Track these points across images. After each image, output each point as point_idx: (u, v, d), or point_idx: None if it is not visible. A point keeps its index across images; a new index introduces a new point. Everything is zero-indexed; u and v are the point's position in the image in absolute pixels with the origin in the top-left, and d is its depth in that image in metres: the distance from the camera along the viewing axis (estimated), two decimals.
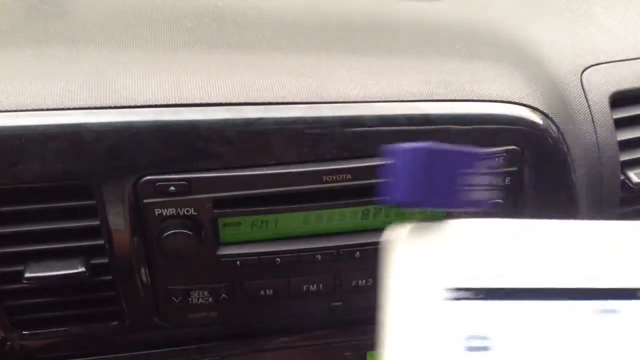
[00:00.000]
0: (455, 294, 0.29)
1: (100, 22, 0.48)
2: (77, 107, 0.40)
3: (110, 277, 0.44)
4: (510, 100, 0.44)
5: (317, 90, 0.42)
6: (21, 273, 0.41)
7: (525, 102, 0.45)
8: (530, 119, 0.44)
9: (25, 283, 0.41)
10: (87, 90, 0.40)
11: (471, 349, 0.29)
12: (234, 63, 0.44)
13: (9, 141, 0.39)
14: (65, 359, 0.48)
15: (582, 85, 0.49)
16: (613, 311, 0.30)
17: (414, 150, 0.29)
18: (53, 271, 0.42)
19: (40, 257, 0.42)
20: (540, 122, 0.44)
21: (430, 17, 0.54)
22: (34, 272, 0.41)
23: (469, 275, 0.29)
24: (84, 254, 0.42)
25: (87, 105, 0.40)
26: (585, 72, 0.49)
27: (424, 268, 0.29)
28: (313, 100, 0.42)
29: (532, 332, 0.30)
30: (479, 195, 0.30)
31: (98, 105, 0.40)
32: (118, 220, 0.41)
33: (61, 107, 0.39)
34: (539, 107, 0.45)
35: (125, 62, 0.43)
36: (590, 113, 0.48)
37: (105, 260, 0.43)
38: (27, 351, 0.47)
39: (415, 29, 0.52)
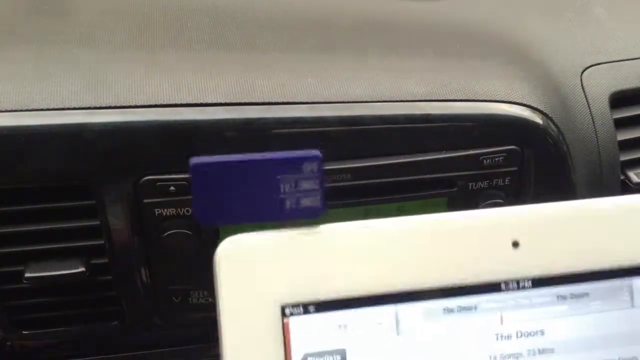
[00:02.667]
0: (292, 310, 0.28)
1: (100, 22, 0.48)
2: (77, 107, 0.40)
3: (110, 277, 0.44)
4: (510, 100, 0.44)
5: (317, 90, 0.42)
6: (21, 273, 0.41)
7: (525, 102, 0.45)
8: (530, 119, 0.44)
9: (25, 283, 0.41)
10: (87, 90, 0.40)
11: None
12: (234, 63, 0.44)
13: (9, 141, 0.39)
14: (65, 359, 0.48)
15: (582, 85, 0.49)
16: (472, 308, 0.29)
17: (209, 165, 0.27)
18: (53, 271, 0.42)
19: (40, 257, 0.42)
20: (540, 122, 0.44)
21: (430, 17, 0.54)
22: (34, 272, 0.41)
23: (302, 289, 0.28)
24: (84, 254, 0.42)
25: (87, 105, 0.40)
26: (585, 72, 0.49)
27: (253, 285, 0.28)
28: (313, 100, 0.42)
29: (383, 340, 0.28)
30: (302, 202, 0.28)
31: (98, 105, 0.40)
32: (118, 220, 0.41)
33: (61, 107, 0.39)
34: (539, 107, 0.45)
35: (126, 62, 0.43)
36: (590, 113, 0.48)
37: (105, 260, 0.43)
38: (27, 351, 0.47)
39: (415, 29, 0.52)
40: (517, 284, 0.29)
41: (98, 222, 0.42)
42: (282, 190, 0.28)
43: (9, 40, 0.45)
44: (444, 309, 0.29)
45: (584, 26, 0.55)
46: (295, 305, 0.28)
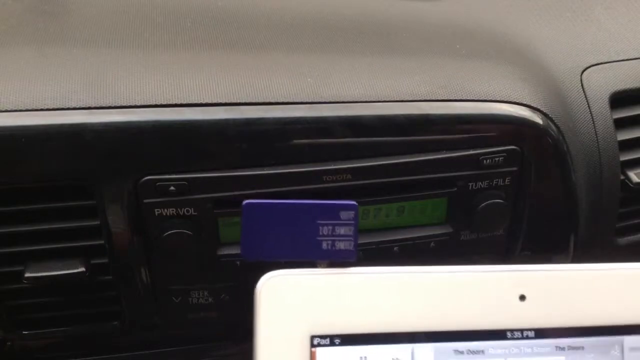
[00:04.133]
0: (320, 341, 0.31)
1: (100, 22, 0.48)
2: (77, 107, 0.40)
3: (110, 277, 0.44)
4: (510, 100, 0.44)
5: (317, 90, 0.42)
6: (21, 273, 0.41)
7: (525, 102, 0.45)
8: (531, 119, 0.44)
9: (25, 283, 0.41)
10: (87, 90, 0.40)
11: None
12: (234, 63, 0.44)
13: (9, 141, 0.39)
14: (65, 359, 0.48)
15: (582, 85, 0.49)
16: (480, 352, 0.32)
17: (259, 206, 0.31)
18: (53, 271, 0.42)
19: (40, 257, 0.42)
20: (540, 122, 0.44)
21: (430, 17, 0.54)
22: (34, 272, 0.41)
23: (330, 323, 0.31)
24: (84, 254, 0.42)
25: (87, 105, 0.40)
26: (585, 72, 0.49)
27: (288, 316, 0.31)
28: (313, 100, 0.42)
29: None
30: (337, 245, 0.32)
31: (98, 105, 0.40)
32: (118, 220, 0.41)
33: (61, 107, 0.39)
34: (539, 107, 0.45)
35: (125, 62, 0.43)
36: (590, 113, 0.48)
37: (105, 260, 0.43)
38: (27, 351, 0.47)
39: (415, 29, 0.52)
40: (522, 334, 0.33)
41: (98, 222, 0.42)
42: (320, 233, 0.32)
43: (9, 40, 0.45)
44: (455, 351, 0.32)
45: (584, 26, 0.55)
46: (323, 337, 0.31)
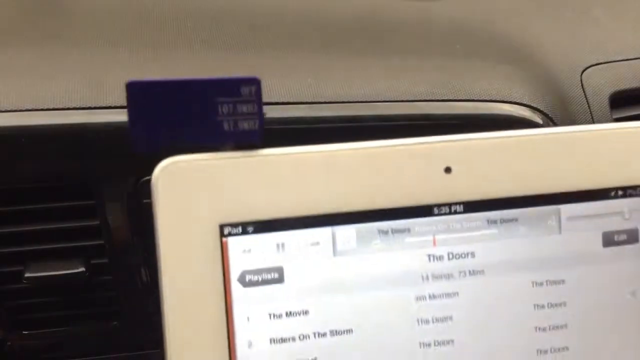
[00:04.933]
0: (231, 230, 0.28)
1: (100, 22, 0.48)
2: (77, 107, 0.40)
3: (110, 277, 0.44)
4: (510, 100, 0.44)
5: (317, 90, 0.42)
6: (21, 273, 0.41)
7: (525, 102, 0.45)
8: (530, 119, 0.44)
9: (25, 283, 0.41)
10: (87, 90, 0.40)
11: (258, 282, 0.28)
12: (234, 63, 0.44)
13: (9, 141, 0.39)
14: (65, 359, 0.48)
15: (582, 85, 0.49)
16: (405, 230, 0.30)
17: (146, 85, 0.27)
18: (53, 271, 0.42)
19: (40, 257, 0.42)
20: (540, 122, 0.44)
21: (430, 17, 0.54)
22: (34, 272, 0.41)
23: (240, 210, 0.28)
24: (84, 254, 0.42)
25: (87, 105, 0.40)
26: (585, 72, 0.49)
27: (192, 205, 0.28)
28: (313, 100, 0.42)
29: (320, 260, 0.29)
30: (240, 125, 0.28)
31: (98, 105, 0.40)
32: (118, 220, 0.41)
33: (61, 107, 0.39)
34: (539, 107, 0.45)
35: (126, 62, 0.43)
36: (590, 113, 0.48)
37: (105, 260, 0.43)
38: (27, 351, 0.47)
39: (415, 29, 0.52)
40: (449, 208, 0.30)
41: (98, 222, 0.42)
42: (220, 112, 0.28)
43: (9, 40, 0.45)
44: (379, 231, 0.30)
45: (584, 26, 0.55)
46: (234, 225, 0.28)
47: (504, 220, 0.30)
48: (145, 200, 0.41)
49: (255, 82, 0.29)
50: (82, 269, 0.42)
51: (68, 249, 0.42)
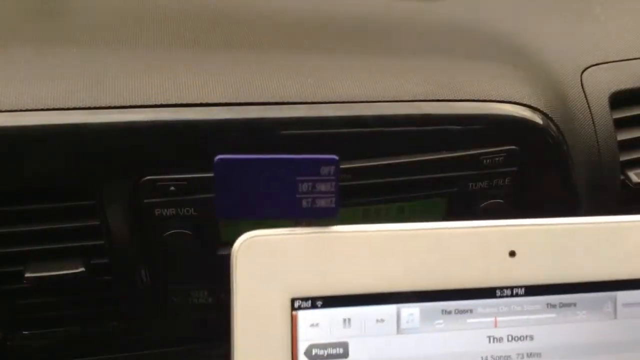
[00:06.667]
0: (301, 303, 0.30)
1: (100, 22, 0.48)
2: (77, 107, 0.40)
3: (110, 277, 0.44)
4: (510, 100, 0.44)
5: (317, 90, 0.42)
6: (21, 273, 0.41)
7: (525, 102, 0.45)
8: (530, 119, 0.44)
9: (25, 283, 0.41)
10: (87, 90, 0.40)
11: (324, 356, 0.30)
12: (234, 63, 0.44)
13: (9, 141, 0.39)
14: (65, 359, 0.48)
15: (582, 85, 0.49)
16: (468, 311, 0.31)
17: (232, 161, 0.29)
18: (53, 271, 0.42)
19: (40, 257, 0.42)
20: (540, 122, 0.44)
21: (430, 17, 0.54)
22: (34, 272, 0.41)
23: (311, 284, 0.30)
24: (84, 254, 0.42)
25: (87, 105, 0.40)
26: (585, 72, 0.49)
27: (266, 278, 0.29)
28: (313, 100, 0.42)
29: (384, 336, 0.30)
30: (318, 202, 0.30)
31: (98, 105, 0.40)
32: (118, 220, 0.41)
33: (61, 107, 0.39)
34: (539, 107, 0.45)
35: (125, 62, 0.43)
36: (590, 113, 0.48)
37: (105, 260, 0.43)
38: (27, 351, 0.47)
39: (415, 29, 0.52)
40: (511, 291, 0.31)
41: (98, 222, 0.42)
42: (299, 190, 0.30)
43: (9, 40, 0.45)
44: (442, 311, 0.31)
45: (584, 26, 0.55)
46: (304, 299, 0.29)
47: (562, 305, 0.32)
48: (145, 200, 0.41)
49: (334, 162, 0.30)
50: (82, 269, 0.42)
51: (68, 249, 0.42)
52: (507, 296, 0.31)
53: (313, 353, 0.29)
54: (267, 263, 0.29)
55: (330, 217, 0.30)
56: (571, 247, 0.32)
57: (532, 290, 0.31)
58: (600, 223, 0.32)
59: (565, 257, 0.32)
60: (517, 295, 0.31)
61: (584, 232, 0.32)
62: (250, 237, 0.30)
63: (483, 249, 0.31)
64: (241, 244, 0.29)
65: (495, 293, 0.31)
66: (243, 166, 0.29)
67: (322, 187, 0.30)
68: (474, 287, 0.31)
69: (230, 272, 0.29)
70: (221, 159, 0.29)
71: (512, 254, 0.31)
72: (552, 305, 0.31)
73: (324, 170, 0.30)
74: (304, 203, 0.30)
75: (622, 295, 0.32)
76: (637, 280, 0.32)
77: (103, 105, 0.40)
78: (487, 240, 0.31)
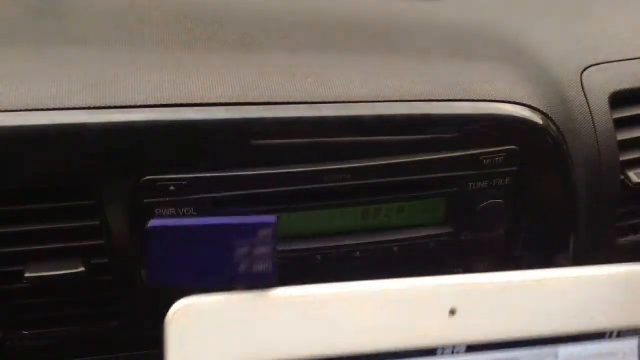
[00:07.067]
0: None
1: (100, 21, 0.48)
2: (77, 107, 0.40)
3: (110, 277, 0.44)
4: (510, 100, 0.44)
5: (317, 90, 0.42)
6: (21, 273, 0.41)
7: (525, 102, 0.45)
8: (530, 119, 0.44)
9: (25, 283, 0.41)
10: (87, 90, 0.40)
11: None
12: (234, 63, 0.44)
13: (9, 141, 0.39)
14: (65, 359, 0.48)
15: (582, 85, 0.49)
16: None
17: (167, 228, 0.28)
18: (53, 271, 0.41)
19: (40, 257, 0.42)
20: (540, 122, 0.44)
21: (430, 17, 0.54)
22: (34, 272, 0.41)
23: (248, 350, 0.29)
24: (84, 254, 0.42)
25: (87, 105, 0.40)
26: (585, 72, 0.49)
27: (202, 345, 0.29)
28: (313, 100, 0.42)
29: None
30: (255, 267, 0.29)
31: (98, 105, 0.40)
32: (118, 220, 0.41)
33: (61, 107, 0.39)
34: (539, 107, 0.45)
35: (126, 62, 0.43)
36: (590, 113, 0.48)
37: (105, 260, 0.43)
38: (27, 351, 0.47)
39: (415, 29, 0.52)
40: (453, 350, 0.31)
41: (98, 222, 0.42)
42: (236, 255, 0.29)
43: (9, 40, 0.45)
44: None
45: (584, 26, 0.55)
46: None
47: None
48: (145, 200, 0.41)
49: (270, 226, 0.29)
50: (82, 269, 0.42)
51: (68, 249, 0.42)
52: (448, 354, 0.31)
53: None
54: (205, 329, 0.29)
55: (268, 281, 0.30)
56: (512, 303, 0.31)
57: (474, 348, 0.31)
58: (540, 279, 0.32)
59: (506, 313, 0.31)
60: (458, 353, 0.31)
61: (524, 288, 0.32)
62: (185, 305, 0.29)
63: (423, 307, 0.31)
64: (176, 311, 0.29)
65: (436, 352, 0.31)
66: (177, 232, 0.28)
67: (259, 251, 0.29)
68: (415, 347, 0.30)
69: (164, 340, 0.29)
70: (154, 227, 0.28)
71: (453, 312, 0.31)
72: None
73: (261, 233, 0.29)
74: (241, 267, 0.29)
75: (564, 350, 0.32)
76: (578, 335, 0.32)
77: (103, 105, 0.40)
78: (426, 299, 0.31)
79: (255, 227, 0.29)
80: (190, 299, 0.29)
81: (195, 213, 0.41)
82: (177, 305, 0.29)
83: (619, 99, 0.49)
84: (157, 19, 0.49)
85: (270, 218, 0.29)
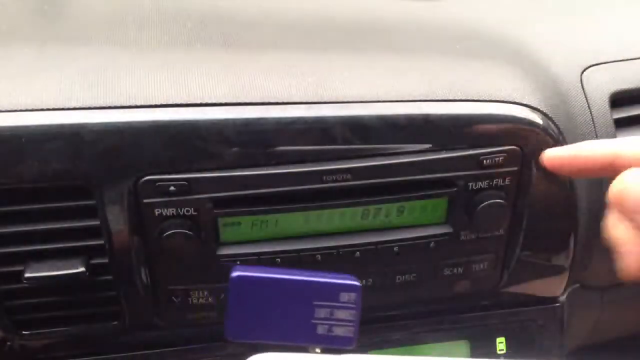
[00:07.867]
0: None
1: (100, 22, 0.48)
2: (77, 107, 0.40)
3: (110, 277, 0.44)
4: (511, 100, 0.44)
5: (317, 90, 0.42)
6: (21, 273, 0.41)
7: (525, 102, 0.45)
8: (531, 119, 0.44)
9: (25, 283, 0.41)
10: (87, 90, 0.40)
11: None
12: (234, 63, 0.44)
13: (9, 141, 0.39)
14: (65, 359, 0.48)
15: (582, 85, 0.49)
16: None
17: (249, 279, 0.28)
18: (53, 271, 0.41)
19: (40, 257, 0.42)
20: (540, 122, 0.44)
21: (430, 17, 0.54)
22: (34, 272, 0.41)
23: None
24: (84, 254, 0.42)
25: (87, 105, 0.40)
26: (585, 72, 0.49)
27: None
28: (313, 100, 0.42)
29: None
30: (335, 330, 0.29)
31: (98, 105, 0.40)
32: (118, 220, 0.41)
33: (61, 107, 0.39)
34: (539, 107, 0.45)
35: (126, 62, 0.43)
36: (590, 113, 0.48)
37: (105, 260, 0.43)
38: (27, 351, 0.47)
39: (415, 29, 0.52)
40: None
41: (98, 222, 0.42)
42: (316, 315, 0.28)
43: (9, 40, 0.45)
44: None
45: (584, 26, 0.55)
46: None
47: None
48: (145, 200, 0.41)
49: (355, 289, 0.29)
50: (82, 269, 0.42)
51: (68, 249, 0.42)
52: None
53: None
54: None
55: (347, 346, 0.29)
56: None
57: None
58: None
59: None
60: None
61: None
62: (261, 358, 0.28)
63: None
64: None
65: None
66: (259, 286, 0.28)
67: (341, 314, 0.29)
68: None
69: None
70: (239, 277, 0.28)
71: None
72: None
73: (344, 296, 0.29)
74: (320, 329, 0.29)
75: None
76: None
77: (103, 105, 0.40)
78: None
79: (339, 288, 0.29)
80: (265, 357, 0.28)
81: (195, 213, 0.41)
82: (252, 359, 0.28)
83: (619, 99, 0.49)
84: (157, 19, 0.49)
85: (354, 280, 0.29)
